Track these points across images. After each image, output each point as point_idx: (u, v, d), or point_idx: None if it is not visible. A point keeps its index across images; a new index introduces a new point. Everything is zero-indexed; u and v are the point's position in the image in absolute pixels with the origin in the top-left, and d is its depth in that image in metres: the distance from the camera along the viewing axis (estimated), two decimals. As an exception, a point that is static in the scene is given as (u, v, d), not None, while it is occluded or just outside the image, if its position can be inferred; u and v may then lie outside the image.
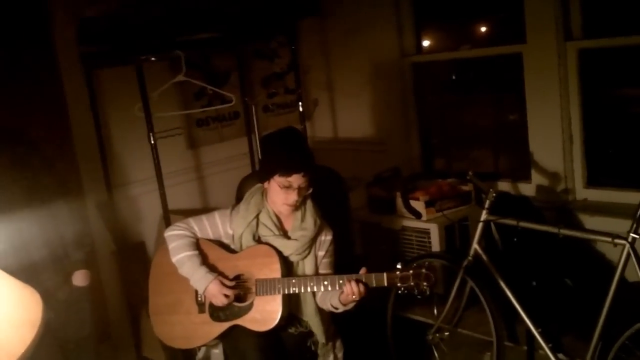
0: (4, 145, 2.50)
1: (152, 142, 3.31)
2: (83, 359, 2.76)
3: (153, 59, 3.35)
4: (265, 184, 2.65)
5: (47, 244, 2.57)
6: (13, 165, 2.49)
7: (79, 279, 2.68)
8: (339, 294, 2.52)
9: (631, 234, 2.45)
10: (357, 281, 2.45)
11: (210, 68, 4.14)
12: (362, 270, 2.49)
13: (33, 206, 2.50)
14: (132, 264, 3.63)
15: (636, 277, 2.44)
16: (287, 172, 2.54)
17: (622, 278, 2.54)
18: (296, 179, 2.54)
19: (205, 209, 3.95)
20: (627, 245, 2.46)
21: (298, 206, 2.65)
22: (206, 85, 3.81)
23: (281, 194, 2.59)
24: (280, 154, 2.59)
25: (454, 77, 4.29)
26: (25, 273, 2.39)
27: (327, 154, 4.49)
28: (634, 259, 2.44)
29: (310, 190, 2.63)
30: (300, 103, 4.15)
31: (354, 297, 2.46)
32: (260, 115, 4.45)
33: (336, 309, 2.61)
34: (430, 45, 4.27)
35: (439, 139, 4.39)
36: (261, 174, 2.69)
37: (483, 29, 4.08)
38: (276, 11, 3.87)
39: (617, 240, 2.49)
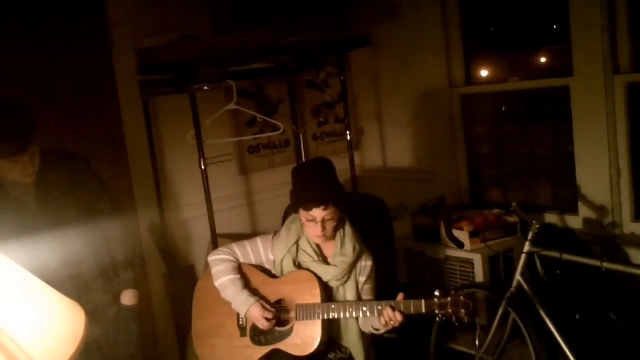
0: (63, 167, 2.62)
1: (203, 167, 3.42)
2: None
3: (206, 88, 3.48)
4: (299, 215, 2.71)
5: (98, 264, 2.67)
6: (70, 186, 2.60)
7: (128, 298, 2.76)
8: (379, 318, 2.56)
9: (675, 270, 2.42)
10: (395, 308, 2.49)
11: (262, 97, 4.25)
12: (400, 297, 2.52)
13: (87, 227, 2.61)
14: (181, 287, 3.72)
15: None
16: (307, 206, 2.60)
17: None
18: (318, 213, 2.58)
19: (254, 234, 4.03)
20: (671, 281, 2.43)
21: (334, 233, 2.70)
22: (256, 114, 3.92)
23: (307, 226, 2.65)
24: (301, 188, 2.65)
25: (503, 109, 4.29)
26: (77, 291, 2.54)
27: (375, 183, 4.56)
28: (677, 295, 2.41)
29: (336, 223, 2.65)
30: (348, 132, 4.23)
31: (392, 322, 2.50)
32: (310, 144, 4.55)
33: (377, 330, 2.65)
34: (479, 77, 4.30)
35: (487, 170, 4.39)
36: (292, 205, 2.76)
37: (532, 61, 4.08)
38: (328, 43, 3.94)
39: (660, 275, 2.46)
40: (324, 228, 2.61)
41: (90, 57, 3.43)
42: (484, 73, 4.30)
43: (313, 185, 2.62)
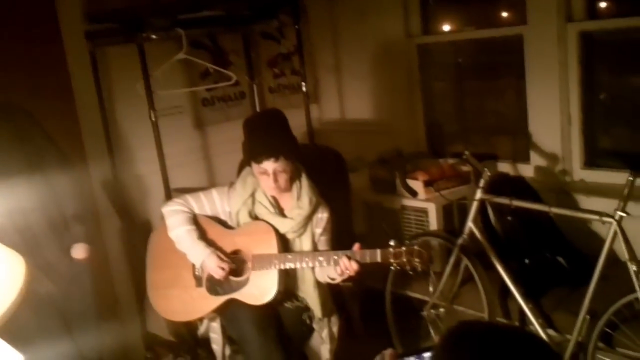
0: (6, 119, 2.55)
1: (153, 119, 3.36)
2: (85, 332, 2.82)
3: (154, 37, 3.39)
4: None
5: (47, 218, 2.64)
6: (15, 139, 2.54)
7: (79, 252, 2.74)
8: (335, 268, 2.57)
9: (618, 212, 2.48)
10: (351, 257, 2.51)
11: (216, 48, 4.17)
12: (356, 247, 2.55)
13: (34, 180, 2.55)
14: (138, 241, 3.70)
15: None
16: (257, 159, 2.59)
17: (611, 255, 2.57)
18: (269, 165, 2.58)
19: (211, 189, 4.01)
20: (614, 223, 2.49)
21: (289, 185, 2.70)
22: (208, 64, 3.85)
23: (260, 179, 2.65)
24: (252, 140, 2.63)
25: (460, 60, 4.30)
26: (27, 245, 2.50)
27: (333, 135, 4.55)
28: (620, 237, 2.47)
29: (288, 175, 2.64)
30: (304, 84, 4.19)
31: (347, 272, 2.52)
32: (266, 96, 4.50)
33: (333, 279, 2.68)
34: (436, 27, 4.28)
35: (444, 120, 4.40)
36: (244, 158, 2.73)
37: (488, 10, 4.07)
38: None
39: (604, 219, 2.53)
40: (275, 180, 2.61)
41: (33, 3, 3.31)
42: (441, 23, 4.28)
43: (263, 138, 2.61)
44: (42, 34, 3.38)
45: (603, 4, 3.43)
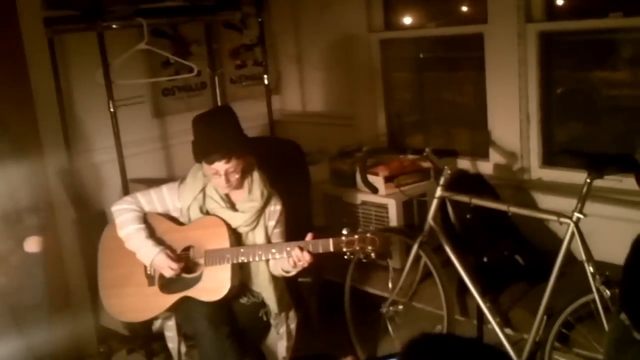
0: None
1: (112, 109, 3.30)
2: (36, 326, 2.76)
3: (115, 26, 3.32)
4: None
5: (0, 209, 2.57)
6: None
7: (32, 245, 2.67)
8: (288, 259, 2.55)
9: (575, 213, 2.51)
10: (303, 248, 2.49)
11: (178, 38, 4.11)
12: (309, 237, 2.53)
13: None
14: (92, 233, 3.62)
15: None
16: (208, 159, 2.55)
17: (569, 256, 2.61)
18: (220, 166, 2.55)
19: (169, 179, 3.95)
20: (572, 224, 2.52)
21: (241, 182, 2.66)
22: (169, 55, 3.79)
23: (212, 178, 2.62)
24: (202, 140, 2.58)
25: (422, 55, 4.31)
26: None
27: (294, 127, 4.53)
28: (577, 238, 2.50)
29: (239, 174, 2.61)
30: (266, 75, 4.15)
31: (300, 263, 2.50)
32: (228, 87, 4.45)
33: (287, 272, 2.66)
34: (398, 22, 4.28)
35: (405, 116, 4.41)
36: (194, 156, 2.67)
37: (450, 7, 4.08)
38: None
39: (562, 219, 2.56)
40: (227, 180, 2.58)
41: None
42: (403, 19, 4.28)
43: (213, 137, 2.56)
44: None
45: (561, 6, 3.47)
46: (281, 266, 2.66)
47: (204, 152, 2.56)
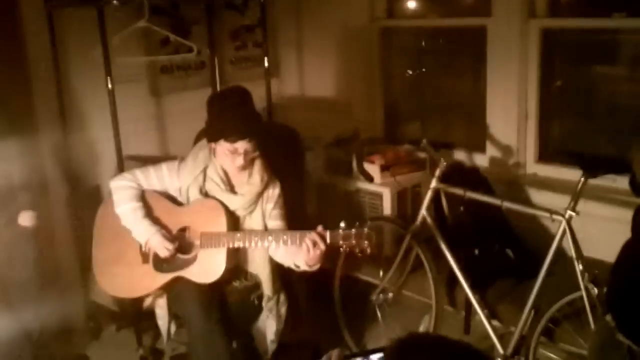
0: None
1: (110, 86, 3.27)
2: (25, 300, 2.76)
3: (115, 2, 3.29)
4: (212, 145, 2.65)
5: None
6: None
7: (25, 219, 2.67)
8: (304, 256, 2.50)
9: (568, 211, 2.53)
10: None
11: (178, 16, 4.08)
12: (319, 228, 2.47)
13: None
14: (85, 208, 3.62)
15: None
16: (231, 138, 2.55)
17: (559, 252, 2.63)
18: (242, 145, 2.56)
19: (164, 157, 3.93)
20: (564, 222, 2.54)
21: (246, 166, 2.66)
22: (169, 33, 3.76)
23: (228, 158, 2.60)
24: (225, 119, 2.57)
25: (422, 45, 4.29)
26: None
27: (291, 112, 4.52)
28: (568, 235, 2.52)
29: (257, 153, 2.63)
30: (266, 58, 4.13)
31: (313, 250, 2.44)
32: (227, 68, 4.42)
33: (298, 267, 2.63)
34: (401, 11, 4.26)
35: (402, 106, 4.41)
36: (208, 135, 2.68)
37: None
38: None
39: (554, 216, 2.57)
40: (245, 159, 2.58)
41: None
42: (406, 7, 4.26)
43: (237, 116, 2.57)
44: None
45: (565, 3, 3.47)
46: (295, 261, 2.62)
47: (226, 131, 2.55)
